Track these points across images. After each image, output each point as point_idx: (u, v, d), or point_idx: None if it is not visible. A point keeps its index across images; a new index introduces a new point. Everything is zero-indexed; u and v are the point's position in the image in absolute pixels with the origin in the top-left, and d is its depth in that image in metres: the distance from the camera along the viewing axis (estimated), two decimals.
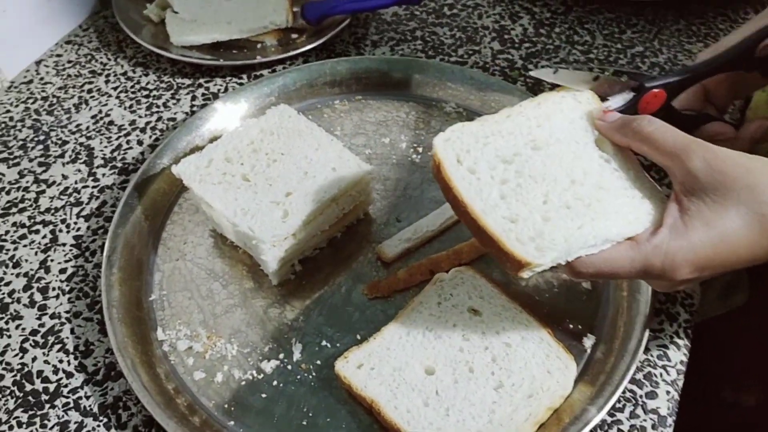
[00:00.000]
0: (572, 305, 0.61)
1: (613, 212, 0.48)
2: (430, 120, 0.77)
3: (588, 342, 0.58)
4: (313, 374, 0.57)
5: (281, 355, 0.58)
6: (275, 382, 0.57)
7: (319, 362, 0.58)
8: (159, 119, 0.79)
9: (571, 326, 0.60)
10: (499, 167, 0.49)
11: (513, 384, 0.54)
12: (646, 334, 0.56)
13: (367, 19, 0.92)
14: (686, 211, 0.45)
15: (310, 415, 0.55)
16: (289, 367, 0.57)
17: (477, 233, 0.48)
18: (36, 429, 0.55)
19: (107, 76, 0.84)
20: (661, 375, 0.57)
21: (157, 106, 0.81)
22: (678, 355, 0.58)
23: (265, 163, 0.63)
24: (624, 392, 0.55)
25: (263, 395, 0.56)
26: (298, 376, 0.57)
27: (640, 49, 0.87)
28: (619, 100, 0.53)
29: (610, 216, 0.48)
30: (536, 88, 0.81)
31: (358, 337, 0.59)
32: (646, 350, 0.58)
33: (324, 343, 0.59)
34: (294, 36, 0.88)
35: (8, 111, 0.80)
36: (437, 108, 0.78)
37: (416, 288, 0.62)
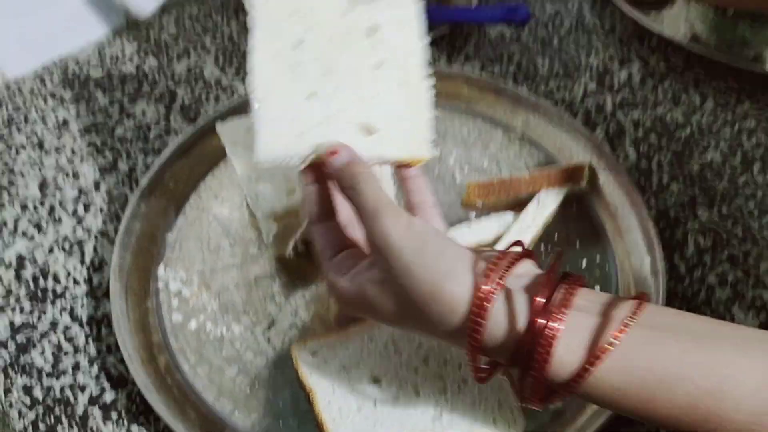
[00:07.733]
0: None
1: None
2: (489, 143, 0.75)
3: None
4: (275, 349, 0.59)
5: (253, 323, 0.60)
6: (238, 345, 0.59)
7: (284, 340, 0.59)
8: (243, 81, 0.84)
9: None
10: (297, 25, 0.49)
11: (452, 420, 0.52)
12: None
13: (470, 34, 0.91)
14: None
15: (256, 386, 0.56)
16: (256, 336, 0.59)
17: None
18: (31, 319, 0.61)
19: (214, 34, 0.91)
20: None
21: (245, 70, 0.86)
22: None
23: None
24: None
25: (223, 353, 0.58)
26: (260, 347, 0.59)
27: (751, 124, 0.78)
28: None
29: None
30: (618, 136, 0.76)
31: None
32: None
33: (296, 323, 0.60)
34: None
35: (123, 47, 0.89)
36: (504, 133, 0.75)
37: None
